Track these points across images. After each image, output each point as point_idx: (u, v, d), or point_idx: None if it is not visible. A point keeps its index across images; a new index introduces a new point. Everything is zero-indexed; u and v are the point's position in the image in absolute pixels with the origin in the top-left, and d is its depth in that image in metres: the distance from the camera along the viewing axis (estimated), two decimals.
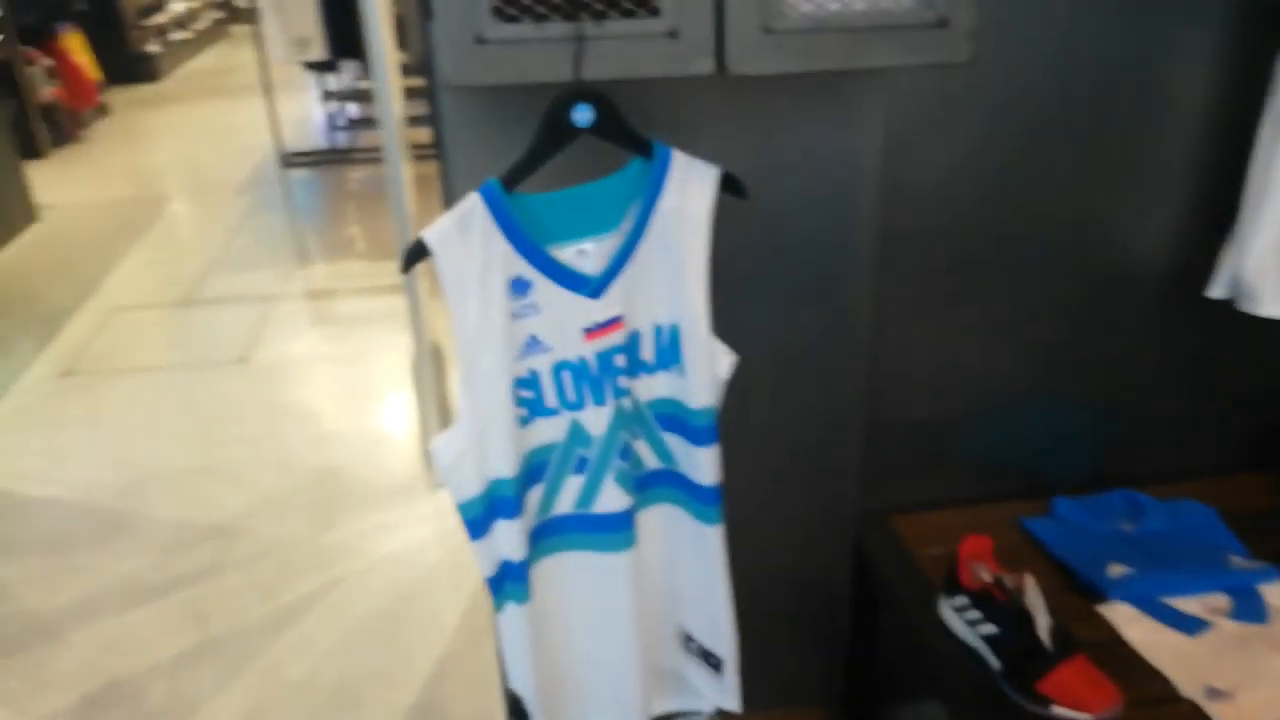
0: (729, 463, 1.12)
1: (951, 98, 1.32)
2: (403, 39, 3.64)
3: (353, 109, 7.04)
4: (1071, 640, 1.22)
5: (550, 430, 1.05)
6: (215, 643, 2.21)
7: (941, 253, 1.42)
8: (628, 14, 0.94)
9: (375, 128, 2.46)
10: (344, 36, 5.05)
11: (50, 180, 5.76)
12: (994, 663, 1.26)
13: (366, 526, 2.61)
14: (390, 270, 4.12)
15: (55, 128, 6.53)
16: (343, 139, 6.73)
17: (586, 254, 1.01)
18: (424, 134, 1.22)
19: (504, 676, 1.16)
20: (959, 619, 1.32)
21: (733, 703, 1.25)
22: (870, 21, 0.98)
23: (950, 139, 1.35)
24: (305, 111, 7.40)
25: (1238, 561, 1.40)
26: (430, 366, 2.74)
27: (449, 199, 1.19)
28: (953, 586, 1.34)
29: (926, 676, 1.39)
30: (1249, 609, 1.31)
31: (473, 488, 1.02)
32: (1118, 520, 1.52)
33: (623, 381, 1.05)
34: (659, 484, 1.15)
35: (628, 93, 1.00)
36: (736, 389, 1.11)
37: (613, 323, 1.02)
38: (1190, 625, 1.29)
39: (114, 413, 3.27)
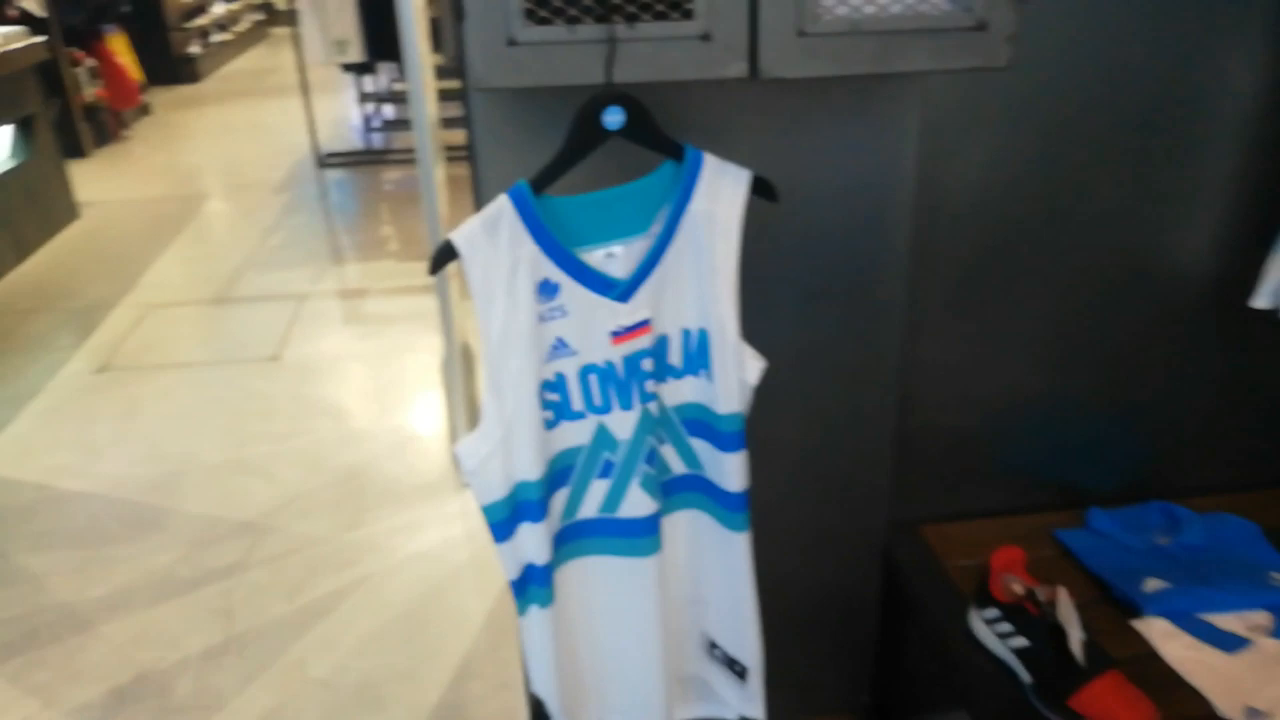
0: (756, 469, 1.11)
1: (988, 102, 1.31)
2: (438, 41, 3.67)
3: (389, 110, 7.09)
4: (1105, 656, 1.20)
5: (576, 434, 1.05)
6: (241, 638, 2.23)
7: (975, 259, 1.41)
8: (660, 16, 0.94)
9: (410, 129, 2.48)
10: (382, 39, 5.10)
11: (92, 178, 5.85)
12: (1025, 676, 1.24)
13: (393, 525, 2.62)
14: (422, 270, 4.14)
15: (98, 127, 6.63)
16: (378, 140, 6.78)
17: (615, 257, 1.01)
18: (458, 136, 1.22)
19: (527, 679, 1.16)
20: (990, 631, 1.31)
21: (757, 711, 1.24)
22: (906, 25, 0.96)
23: (986, 144, 1.34)
24: (342, 113, 7.47)
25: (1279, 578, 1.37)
26: (460, 367, 2.74)
27: (480, 201, 1.19)
28: (984, 598, 1.32)
29: (955, 689, 1.37)
30: None
31: (498, 490, 1.02)
32: (1154, 533, 1.49)
33: (650, 386, 1.04)
34: (685, 489, 1.14)
35: (659, 96, 0.99)
36: (765, 395, 1.10)
37: (640, 326, 1.01)
38: (1230, 643, 1.26)
39: (148, 408, 3.31)
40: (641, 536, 1.10)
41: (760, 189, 1.03)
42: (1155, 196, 1.41)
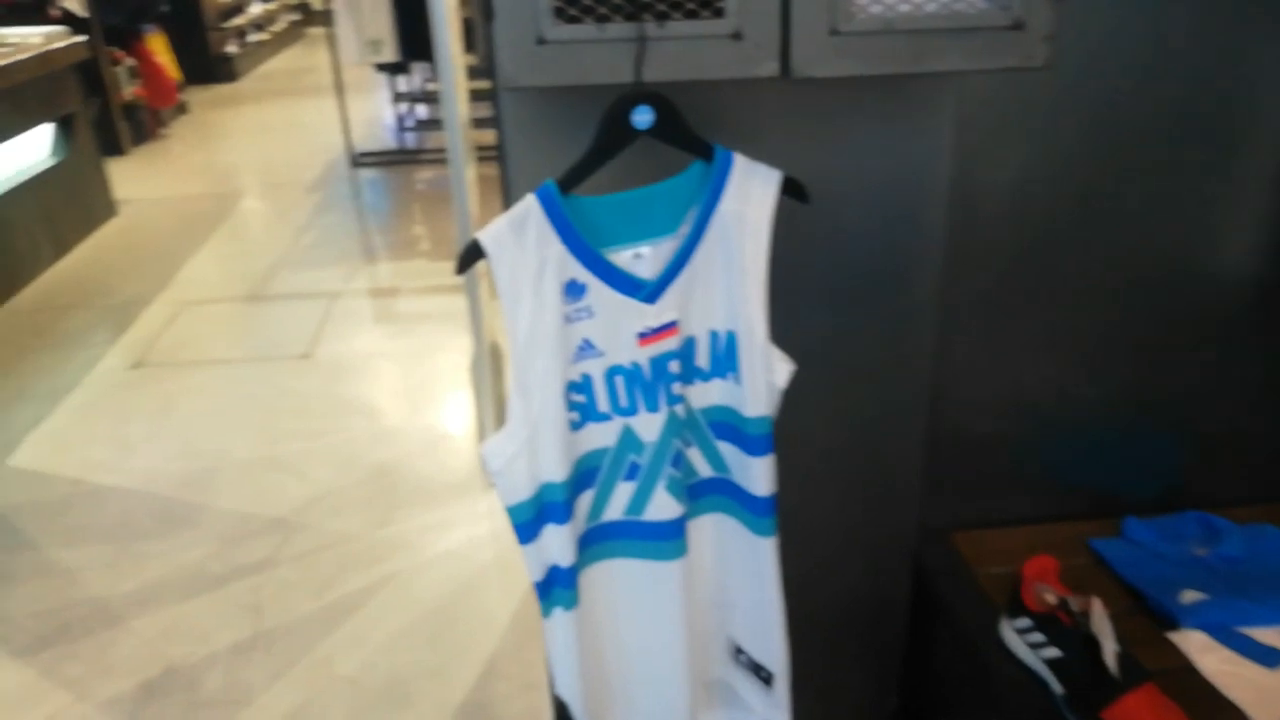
0: (784, 473, 1.10)
1: (1023, 102, 1.29)
2: (471, 42, 3.68)
3: (422, 110, 7.13)
4: (1140, 668, 1.18)
5: (602, 435, 1.04)
6: (270, 634, 2.24)
7: (1010, 261, 1.39)
8: (691, 15, 0.93)
9: (443, 129, 2.49)
10: (415, 39, 5.13)
11: (129, 176, 5.93)
12: (1057, 688, 1.22)
13: (422, 523, 2.63)
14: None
15: (136, 126, 6.72)
16: (411, 140, 6.82)
17: (643, 258, 1.00)
18: (489, 136, 1.22)
19: (551, 681, 1.15)
20: (1021, 641, 1.29)
21: (783, 718, 1.22)
22: (941, 23, 0.95)
23: (1022, 145, 1.32)
24: (376, 112, 7.53)
25: None
26: (489, 366, 2.75)
27: (509, 200, 1.18)
28: (1016, 607, 1.30)
29: (985, 699, 1.35)
30: None
31: (523, 491, 1.01)
32: (1191, 544, 1.46)
33: (676, 388, 1.03)
34: (712, 493, 1.13)
35: (689, 95, 0.98)
36: (794, 398, 1.09)
37: (668, 328, 1.01)
38: (1270, 657, 1.24)
39: (181, 404, 3.35)
40: (667, 540, 1.09)
41: (791, 189, 1.02)
42: (1194, 198, 1.39)
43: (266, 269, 4.55)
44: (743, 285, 1.01)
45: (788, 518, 1.12)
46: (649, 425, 1.04)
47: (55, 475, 2.94)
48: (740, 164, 1.00)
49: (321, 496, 2.77)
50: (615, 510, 1.08)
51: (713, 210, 0.99)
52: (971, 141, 1.27)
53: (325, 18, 6.06)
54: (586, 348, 1.00)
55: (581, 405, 1.02)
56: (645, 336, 1.00)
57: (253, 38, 9.95)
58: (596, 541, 1.09)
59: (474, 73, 2.80)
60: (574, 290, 0.97)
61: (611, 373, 1.02)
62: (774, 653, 1.18)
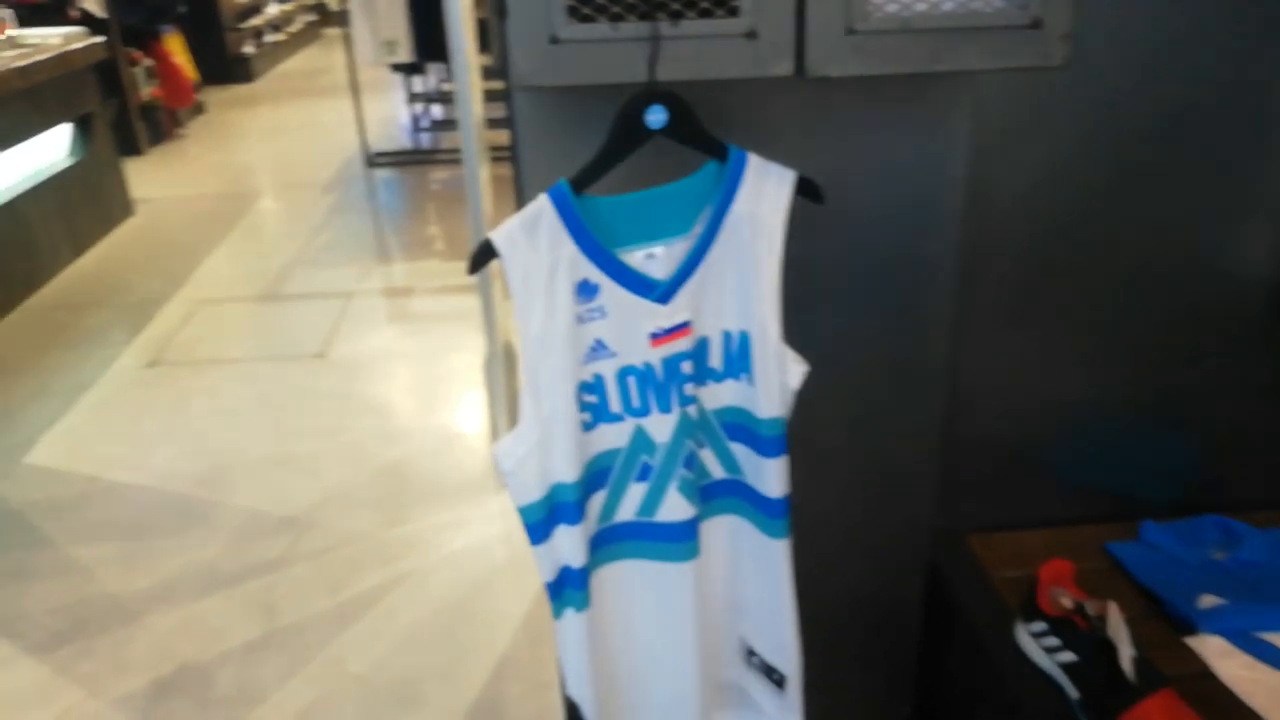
0: (798, 475, 1.09)
1: (1041, 103, 1.28)
2: (486, 42, 3.68)
3: (437, 111, 7.15)
4: (1157, 673, 1.17)
5: (614, 436, 1.04)
6: (282, 633, 2.25)
7: (1027, 263, 1.38)
8: (705, 14, 0.92)
9: (458, 129, 2.50)
10: (431, 39, 5.15)
11: (146, 176, 5.96)
12: (1072, 693, 1.21)
13: (434, 523, 2.63)
14: None
15: (153, 126, 6.76)
16: (426, 140, 6.84)
17: (655, 258, 0.99)
18: (504, 136, 1.22)
19: (563, 681, 1.15)
20: (1036, 645, 1.28)
21: None
22: (958, 22, 0.94)
23: (1039, 146, 1.31)
24: (391, 112, 7.55)
25: None
26: (502, 366, 2.75)
27: (522, 200, 1.18)
28: (1031, 611, 1.29)
29: (1000, 703, 1.34)
30: None
31: (534, 492, 1.01)
32: (1210, 548, 1.44)
33: (689, 389, 1.03)
34: (724, 494, 1.12)
35: (703, 94, 0.97)
36: (808, 399, 1.08)
37: (680, 329, 1.00)
38: None
39: (196, 403, 3.36)
40: (679, 541, 1.08)
41: (805, 190, 1.01)
42: (1217, 200, 1.37)
43: (282, 268, 4.57)
44: (756, 285, 1.00)
45: (800, 520, 1.12)
46: (661, 426, 1.03)
47: (71, 472, 2.95)
48: (754, 164, 0.99)
49: (334, 495, 2.78)
50: (627, 511, 1.08)
51: (726, 210, 0.99)
52: (987, 141, 1.26)
53: (341, 18, 6.08)
54: (599, 348, 1.00)
55: (593, 406, 1.02)
56: (658, 337, 1.00)
57: (270, 38, 9.99)
58: (608, 542, 1.09)
59: (489, 73, 2.80)
60: (586, 290, 0.97)
61: (624, 373, 1.01)
62: (786, 655, 1.17)
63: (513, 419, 2.81)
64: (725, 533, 1.14)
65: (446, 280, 4.35)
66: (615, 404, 1.02)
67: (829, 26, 0.93)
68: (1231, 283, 1.43)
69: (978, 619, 1.38)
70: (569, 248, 0.95)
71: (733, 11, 0.92)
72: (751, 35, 0.93)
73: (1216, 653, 1.25)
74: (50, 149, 4.66)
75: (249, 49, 9.37)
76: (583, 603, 1.06)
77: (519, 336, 0.97)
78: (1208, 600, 1.32)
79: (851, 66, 0.95)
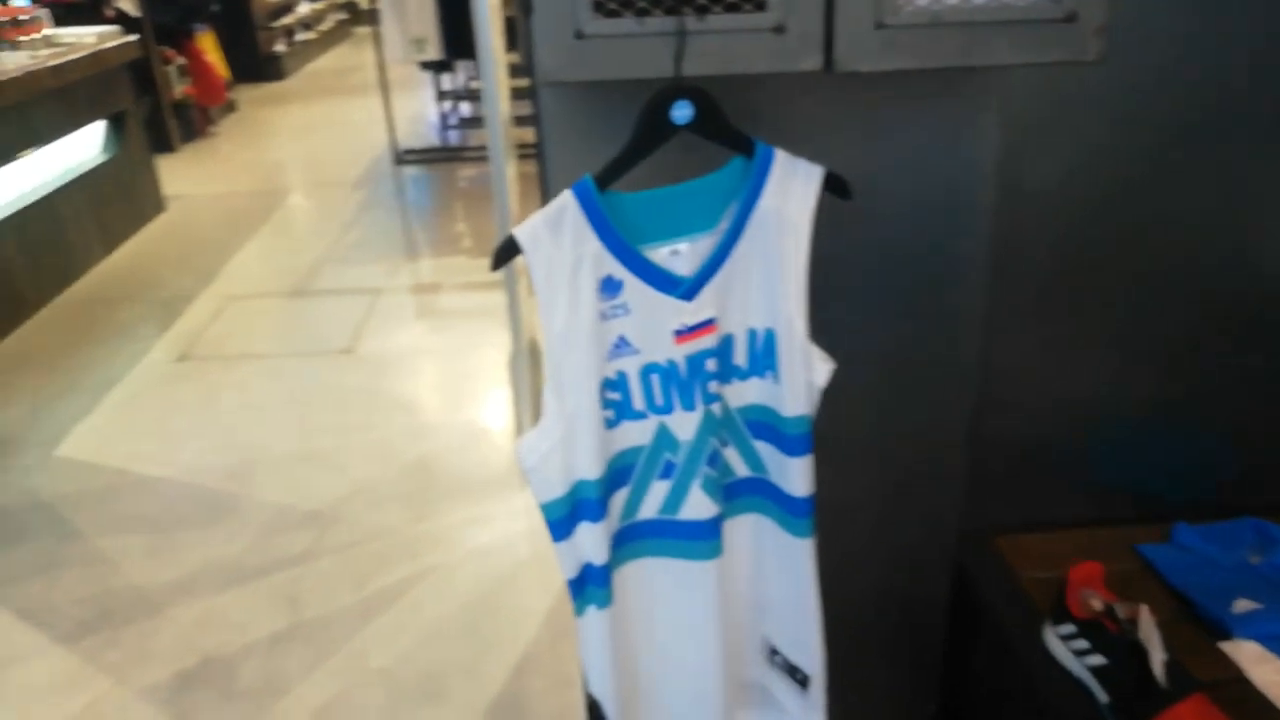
0: (823, 474, 1.08)
1: (1073, 97, 1.26)
2: (514, 40, 3.69)
3: (465, 108, 7.17)
4: (1189, 678, 1.15)
5: (637, 433, 1.03)
6: (306, 626, 2.26)
7: (1059, 260, 1.36)
8: (732, 8, 0.91)
9: (485, 126, 2.51)
10: (459, 37, 5.16)
11: (178, 173, 6.02)
12: (1102, 697, 1.19)
13: (458, 519, 2.64)
14: None
15: (186, 123, 6.83)
16: (455, 137, 6.86)
17: (680, 254, 0.99)
18: (531, 133, 1.22)
19: (585, 679, 1.15)
20: (1065, 648, 1.26)
21: None
22: (990, 16, 0.92)
23: (1071, 142, 1.29)
24: (420, 110, 7.58)
25: None
26: (527, 363, 2.75)
27: (547, 197, 1.18)
28: (1060, 613, 1.28)
29: (1027, 706, 1.33)
30: None
31: (557, 488, 1.00)
32: (1245, 551, 1.42)
33: (713, 387, 1.02)
34: (748, 493, 1.11)
35: (730, 90, 0.96)
36: (833, 397, 1.07)
37: (705, 326, 0.99)
38: None
39: (224, 398, 3.39)
40: (702, 540, 1.08)
41: (833, 186, 1.00)
42: (1252, 198, 1.35)
43: (311, 265, 4.60)
44: (782, 282, 0.99)
45: (825, 519, 1.11)
46: (685, 424, 1.03)
47: (101, 465, 2.99)
48: (781, 159, 0.98)
49: (360, 490, 2.79)
50: (650, 509, 1.07)
51: (752, 206, 0.98)
52: (1019, 138, 1.24)
53: (372, 17, 6.11)
54: (622, 345, 0.99)
55: (616, 403, 1.01)
56: (682, 334, 0.99)
57: (300, 37, 10.07)
58: (631, 540, 1.08)
59: (516, 70, 2.80)
60: (610, 287, 0.96)
61: (647, 370, 1.01)
62: (810, 655, 1.17)
63: (537, 415, 2.81)
64: (749, 531, 1.13)
65: (473, 277, 4.36)
66: (638, 401, 1.02)
67: (858, 20, 0.92)
68: (1265, 278, 1.41)
69: (1005, 620, 1.37)
70: (593, 244, 0.94)
71: (760, 5, 0.91)
72: (779, 29, 0.92)
73: (1251, 658, 1.22)
74: (84, 146, 4.71)
75: (280, 47, 9.44)
76: (605, 600, 1.06)
77: (543, 333, 0.97)
78: (1242, 604, 1.30)
79: (881, 61, 0.94)
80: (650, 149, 0.96)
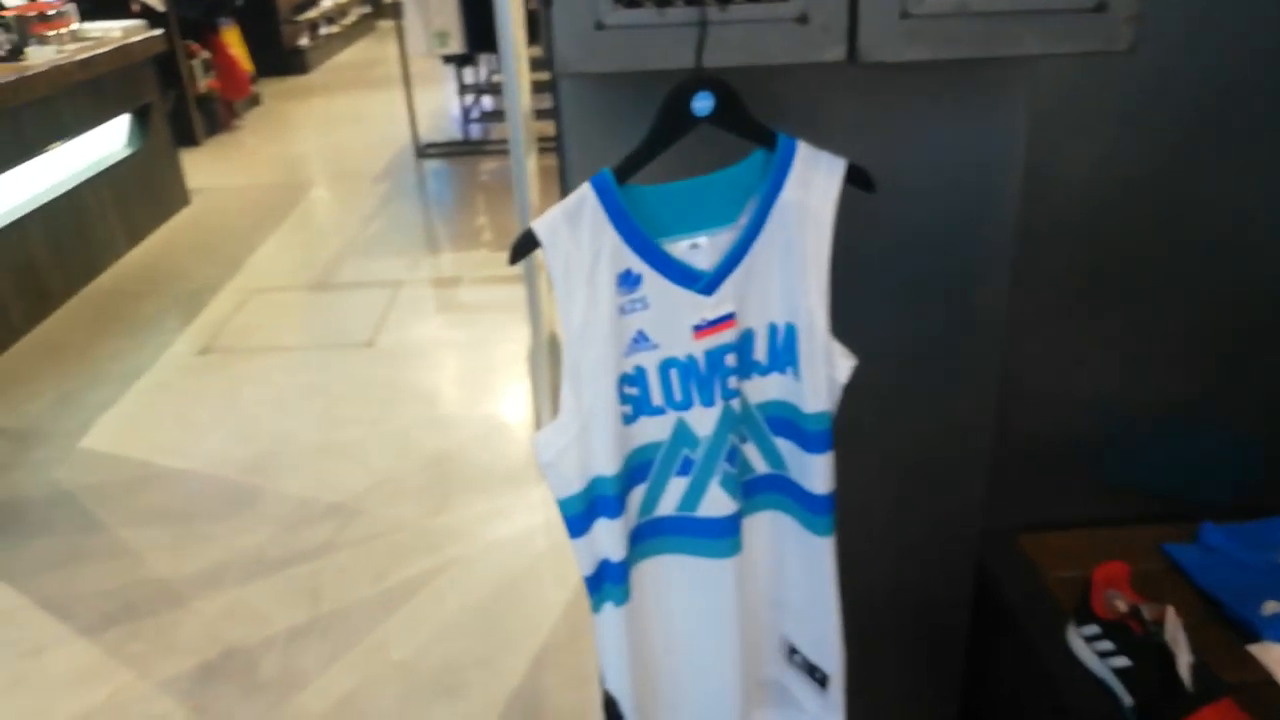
0: (843, 471, 1.07)
1: (1102, 89, 1.24)
2: (535, 33, 3.68)
3: (488, 102, 7.18)
4: (1216, 681, 1.13)
5: (655, 429, 1.02)
6: (326, 619, 2.27)
7: (1085, 257, 1.34)
8: None
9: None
10: (482, 30, 5.17)
11: (203, 166, 6.06)
12: (1126, 699, 1.17)
13: (477, 512, 2.64)
14: None
15: (210, 117, 6.88)
16: (476, 131, 6.87)
17: (700, 248, 0.97)
18: (553, 127, 1.22)
19: (601, 675, 1.14)
20: (1089, 649, 1.24)
21: None
22: (1018, 5, 0.91)
23: (1100, 133, 1.27)
24: (442, 104, 7.60)
25: None
26: (546, 357, 2.75)
27: (566, 190, 1.17)
28: (1084, 614, 1.26)
29: (1050, 708, 1.31)
30: None
31: (574, 484, 0.99)
32: (1274, 551, 1.40)
33: (733, 382, 1.01)
34: (768, 490, 1.10)
35: (751, 81, 0.95)
36: (855, 394, 1.05)
37: (724, 320, 0.98)
38: None
39: (246, 390, 3.41)
40: (721, 537, 1.07)
41: (856, 178, 0.99)
42: (1278, 194, 1.33)
43: (333, 258, 4.62)
44: (804, 277, 0.98)
45: (846, 517, 1.09)
46: (703, 420, 1.02)
47: (125, 457, 3.01)
48: (803, 152, 0.97)
49: (380, 483, 2.80)
50: (668, 505, 1.06)
51: (774, 199, 0.96)
52: (1045, 131, 1.22)
53: (395, 10, 6.12)
54: (640, 340, 0.98)
55: (634, 398, 1.00)
56: (701, 329, 0.98)
57: (324, 31, 10.11)
58: (649, 537, 1.07)
59: (537, 64, 2.79)
60: (628, 281, 0.95)
61: (666, 365, 0.99)
62: (830, 654, 1.15)
63: (556, 409, 2.81)
64: (768, 529, 1.12)
65: (494, 270, 4.36)
66: (657, 397, 1.01)
67: (883, 10, 0.90)
68: None
69: (1028, 620, 1.35)
70: (611, 237, 0.93)
71: None
72: (803, 19, 0.91)
73: None
74: (109, 139, 4.75)
75: (304, 41, 9.49)
76: (622, 597, 1.05)
77: (560, 327, 0.96)
78: (1271, 606, 1.28)
79: (906, 51, 0.92)
80: (670, 141, 0.95)
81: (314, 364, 3.59)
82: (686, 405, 1.01)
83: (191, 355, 3.67)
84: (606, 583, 1.04)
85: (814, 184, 0.97)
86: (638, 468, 1.03)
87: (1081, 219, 1.32)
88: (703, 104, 0.93)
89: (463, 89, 6.90)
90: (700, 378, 1.00)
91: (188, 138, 6.38)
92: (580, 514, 1.01)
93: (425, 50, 5.45)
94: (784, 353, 1.02)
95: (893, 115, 1.18)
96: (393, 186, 5.71)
